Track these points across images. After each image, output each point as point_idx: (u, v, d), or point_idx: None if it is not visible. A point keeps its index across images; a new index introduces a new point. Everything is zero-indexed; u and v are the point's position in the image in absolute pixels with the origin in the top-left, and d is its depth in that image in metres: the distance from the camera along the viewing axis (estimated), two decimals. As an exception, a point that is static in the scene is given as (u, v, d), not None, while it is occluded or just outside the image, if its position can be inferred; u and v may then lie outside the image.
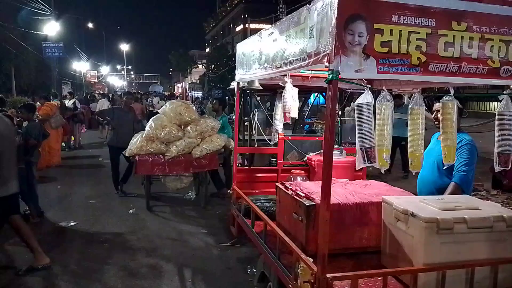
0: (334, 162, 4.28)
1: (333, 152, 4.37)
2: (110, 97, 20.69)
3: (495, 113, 2.58)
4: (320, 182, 2.31)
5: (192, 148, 6.11)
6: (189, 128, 6.09)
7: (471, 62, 2.25)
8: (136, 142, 6.01)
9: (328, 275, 2.17)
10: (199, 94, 37.93)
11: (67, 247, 5.01)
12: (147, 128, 6.12)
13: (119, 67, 67.92)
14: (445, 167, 2.78)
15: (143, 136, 6.02)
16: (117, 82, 61.67)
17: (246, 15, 46.00)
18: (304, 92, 6.07)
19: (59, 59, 26.29)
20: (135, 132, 6.64)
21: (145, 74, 68.89)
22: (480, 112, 19.57)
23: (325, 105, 5.92)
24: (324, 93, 6.02)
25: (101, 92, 28.86)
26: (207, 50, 59.03)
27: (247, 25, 42.47)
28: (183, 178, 6.63)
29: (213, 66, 40.11)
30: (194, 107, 6.40)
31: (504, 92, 2.54)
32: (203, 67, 49.96)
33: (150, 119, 6.31)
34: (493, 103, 20.22)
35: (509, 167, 2.56)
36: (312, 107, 9.36)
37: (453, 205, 2.59)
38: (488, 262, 2.42)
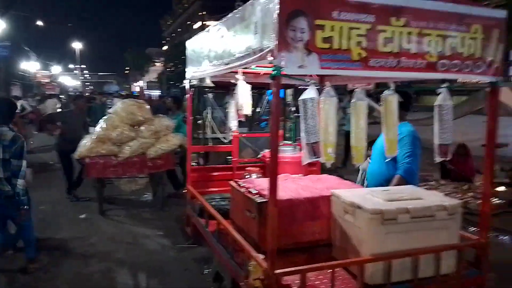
0: (288, 158, 4.36)
1: (287, 148, 4.46)
2: (64, 97, 19.77)
3: (435, 106, 2.68)
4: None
5: (146, 148, 5.96)
6: (142, 127, 5.93)
7: (409, 57, 2.33)
8: (85, 144, 5.78)
9: (277, 271, 2.17)
10: (158, 92, 37.12)
11: (14, 255, 4.73)
12: (97, 128, 5.90)
13: (72, 66, 65.17)
14: (387, 160, 2.87)
15: (94, 137, 5.80)
16: (71, 82, 59.18)
17: (204, 12, 45.58)
18: (259, 89, 6.08)
19: (5, 59, 24.87)
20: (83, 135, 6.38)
21: (99, 73, 66.42)
22: (431, 105, 20.42)
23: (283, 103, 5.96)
24: (282, 90, 6.06)
25: (49, 93, 27.37)
26: (165, 47, 57.90)
27: (204, 22, 42.07)
28: (138, 180, 6.45)
29: (171, 64, 39.44)
30: (148, 106, 6.23)
31: (442, 86, 2.64)
32: (161, 65, 49.01)
33: (101, 119, 6.08)
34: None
35: (449, 157, 2.68)
36: (270, 104, 9.41)
37: (397, 196, 2.67)
38: (431, 249, 2.52)
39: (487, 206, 2.65)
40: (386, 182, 3.36)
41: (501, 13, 2.52)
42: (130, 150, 5.85)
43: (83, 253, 4.86)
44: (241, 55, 2.55)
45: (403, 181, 3.12)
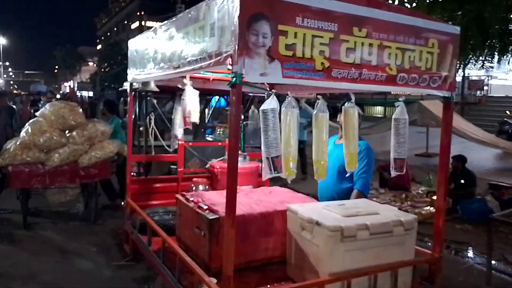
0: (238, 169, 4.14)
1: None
2: None
3: (392, 119, 2.65)
4: (224, 191, 2.12)
5: (78, 155, 5.43)
6: (74, 133, 5.40)
7: (370, 69, 2.26)
8: (8, 150, 5.13)
9: (234, 299, 1.97)
10: (90, 94, 35.04)
11: None
12: (22, 133, 5.27)
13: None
14: (347, 174, 2.79)
15: (18, 143, 5.17)
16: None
17: (142, 12, 44.17)
18: (205, 95, 5.84)
19: None
20: (7, 138, 5.69)
21: (25, 72, 61.14)
22: (366, 116, 21.55)
23: (227, 109, 5.77)
24: (226, 96, 5.86)
25: None
26: (99, 47, 55.13)
27: (143, 22, 40.75)
28: (69, 190, 5.86)
29: (106, 64, 37.52)
30: (80, 109, 5.69)
31: (400, 99, 2.62)
32: (94, 65, 46.57)
33: (27, 123, 5.45)
34: (377, 107, 22.41)
35: (404, 172, 2.65)
36: (213, 110, 9.18)
37: (354, 211, 2.59)
38: (389, 266, 2.46)
39: (441, 220, 2.65)
40: (337, 195, 3.29)
41: (455, 29, 2.55)
42: (60, 157, 5.29)
43: (3, 274, 4.26)
44: (194, 59, 2.33)
45: (362, 196, 3.08)
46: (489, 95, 18.98)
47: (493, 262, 4.49)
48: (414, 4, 6.22)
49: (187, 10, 2.45)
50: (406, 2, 6.13)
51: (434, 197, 6.59)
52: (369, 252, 2.44)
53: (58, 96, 24.86)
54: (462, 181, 6.52)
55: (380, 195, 6.90)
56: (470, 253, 5.14)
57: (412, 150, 8.51)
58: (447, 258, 5.02)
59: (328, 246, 2.36)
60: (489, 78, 18.82)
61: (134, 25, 47.44)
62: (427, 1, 5.99)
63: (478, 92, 19.10)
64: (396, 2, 6.02)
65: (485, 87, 19.17)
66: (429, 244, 5.21)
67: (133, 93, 4.11)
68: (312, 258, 2.49)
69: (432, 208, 6.23)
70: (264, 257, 2.92)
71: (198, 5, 2.29)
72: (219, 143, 4.93)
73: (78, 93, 32.51)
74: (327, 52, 2.10)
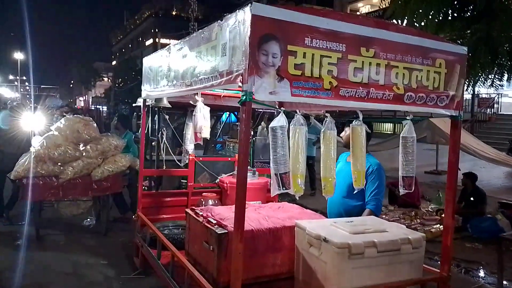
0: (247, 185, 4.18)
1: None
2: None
3: (399, 137, 2.68)
4: (233, 206, 2.16)
5: (92, 169, 5.53)
6: (88, 147, 5.51)
7: (378, 88, 2.31)
8: (23, 163, 5.25)
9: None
10: (105, 108, 35.66)
11: None
12: (37, 147, 5.40)
13: (11, 77, 60.86)
14: (355, 191, 2.81)
15: (33, 156, 5.29)
16: (10, 93, 55.23)
17: (156, 30, 45.09)
18: (216, 111, 5.94)
19: None
20: (23, 152, 5.81)
21: (41, 86, 62.32)
22: (375, 132, 21.40)
23: (237, 124, 5.85)
24: (236, 112, 5.94)
25: None
26: (114, 63, 56.21)
27: (157, 39, 41.55)
28: (81, 203, 5.95)
29: (120, 80, 38.19)
30: (94, 124, 5.82)
31: (407, 118, 2.65)
32: (109, 80, 47.44)
33: (41, 137, 5.58)
34: (386, 124, 22.31)
35: (413, 189, 2.66)
36: (223, 125, 9.29)
37: (362, 228, 2.60)
38: (397, 284, 2.46)
39: (449, 238, 2.65)
40: (345, 212, 3.31)
41: (463, 49, 2.60)
42: (73, 171, 5.39)
43: (14, 285, 4.31)
44: (206, 77, 2.41)
45: (373, 215, 3.08)
46: (499, 113, 18.80)
47: (504, 282, 4.41)
48: (423, 23, 6.27)
49: (200, 31, 2.54)
50: (415, 22, 6.19)
51: (443, 215, 6.52)
52: (377, 269, 2.45)
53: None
54: (472, 199, 6.44)
55: (389, 212, 6.84)
56: (481, 273, 5.05)
57: (422, 168, 8.45)
58: (457, 277, 4.97)
59: (335, 263, 2.38)
60: (499, 96, 18.66)
61: (148, 42, 48.39)
62: (436, 20, 6.04)
63: (488, 110, 18.93)
64: (405, 21, 6.08)
65: (495, 105, 19.01)
66: (439, 262, 5.15)
67: (146, 108, 4.20)
68: (320, 274, 2.50)
69: (442, 226, 6.16)
70: (272, 273, 2.93)
71: (211, 25, 2.38)
72: (229, 158, 4.98)
73: (98, 107, 32.98)
74: (335, 72, 2.16)
